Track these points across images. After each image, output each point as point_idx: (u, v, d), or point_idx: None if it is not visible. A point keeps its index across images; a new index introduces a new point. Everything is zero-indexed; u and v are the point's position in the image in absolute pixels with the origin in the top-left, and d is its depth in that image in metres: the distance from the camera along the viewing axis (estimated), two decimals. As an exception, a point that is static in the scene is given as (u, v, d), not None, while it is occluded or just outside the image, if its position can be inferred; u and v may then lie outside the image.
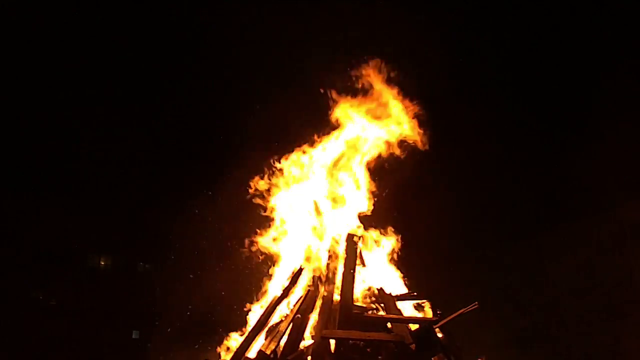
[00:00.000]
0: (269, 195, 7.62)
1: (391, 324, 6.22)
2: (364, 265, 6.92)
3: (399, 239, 7.38)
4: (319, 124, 7.57)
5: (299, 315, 6.23)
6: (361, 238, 6.87)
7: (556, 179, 15.37)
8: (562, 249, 16.03)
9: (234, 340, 6.89)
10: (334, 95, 7.53)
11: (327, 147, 7.57)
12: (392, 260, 7.35)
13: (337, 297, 6.35)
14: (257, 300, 7.17)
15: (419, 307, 6.91)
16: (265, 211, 7.59)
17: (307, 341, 6.18)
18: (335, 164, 7.59)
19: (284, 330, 6.22)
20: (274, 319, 6.70)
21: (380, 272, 7.13)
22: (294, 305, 6.56)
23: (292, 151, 7.57)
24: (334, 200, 7.50)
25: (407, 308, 6.86)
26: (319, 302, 6.44)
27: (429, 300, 6.86)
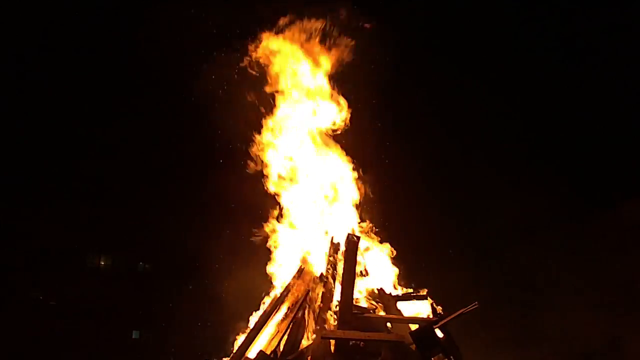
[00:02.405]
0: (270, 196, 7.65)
1: (391, 324, 6.23)
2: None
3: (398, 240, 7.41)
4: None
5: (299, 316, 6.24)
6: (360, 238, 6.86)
7: (556, 179, 15.35)
8: (562, 248, 16.01)
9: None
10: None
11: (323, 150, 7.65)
12: (391, 260, 7.37)
13: (337, 297, 6.35)
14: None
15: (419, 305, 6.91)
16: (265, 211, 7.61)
17: (307, 341, 6.19)
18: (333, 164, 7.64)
19: (284, 330, 6.23)
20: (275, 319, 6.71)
21: (380, 272, 7.15)
22: (294, 305, 6.57)
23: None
24: (334, 200, 7.53)
25: (407, 308, 6.87)
26: (318, 302, 6.45)
27: (429, 300, 6.86)
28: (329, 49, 7.70)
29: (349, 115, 7.67)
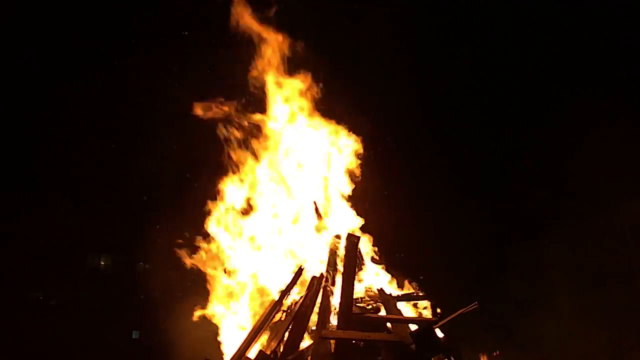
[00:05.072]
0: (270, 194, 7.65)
1: (391, 325, 6.24)
2: (361, 267, 6.93)
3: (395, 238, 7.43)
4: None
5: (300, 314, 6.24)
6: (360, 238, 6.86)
7: (556, 179, 15.38)
8: (562, 248, 16.03)
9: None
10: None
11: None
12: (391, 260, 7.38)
13: (337, 297, 6.35)
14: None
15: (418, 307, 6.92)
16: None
17: (307, 341, 6.19)
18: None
19: (284, 331, 6.22)
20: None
21: (379, 273, 7.16)
22: (294, 306, 6.57)
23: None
24: (334, 201, 7.55)
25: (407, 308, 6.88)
26: (319, 302, 6.45)
27: (429, 300, 6.87)
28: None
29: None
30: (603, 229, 15.14)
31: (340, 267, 6.64)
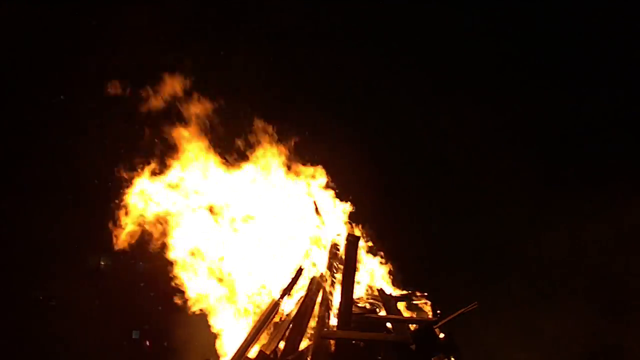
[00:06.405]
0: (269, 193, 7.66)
1: (391, 325, 6.24)
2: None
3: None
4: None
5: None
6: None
7: (555, 178, 15.35)
8: (562, 248, 16.01)
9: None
10: None
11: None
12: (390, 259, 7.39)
13: (337, 297, 6.36)
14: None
15: (418, 308, 6.93)
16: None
17: (307, 342, 6.20)
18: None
19: (284, 331, 6.23)
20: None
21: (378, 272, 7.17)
22: (294, 306, 6.58)
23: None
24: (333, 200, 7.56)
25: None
26: (319, 302, 6.46)
27: (429, 300, 6.88)
28: None
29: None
30: (602, 228, 15.16)
31: (340, 266, 6.64)
